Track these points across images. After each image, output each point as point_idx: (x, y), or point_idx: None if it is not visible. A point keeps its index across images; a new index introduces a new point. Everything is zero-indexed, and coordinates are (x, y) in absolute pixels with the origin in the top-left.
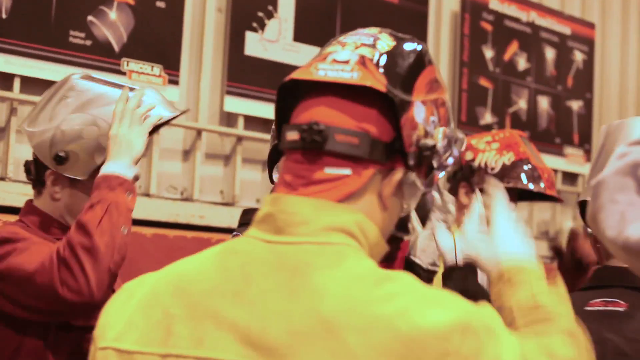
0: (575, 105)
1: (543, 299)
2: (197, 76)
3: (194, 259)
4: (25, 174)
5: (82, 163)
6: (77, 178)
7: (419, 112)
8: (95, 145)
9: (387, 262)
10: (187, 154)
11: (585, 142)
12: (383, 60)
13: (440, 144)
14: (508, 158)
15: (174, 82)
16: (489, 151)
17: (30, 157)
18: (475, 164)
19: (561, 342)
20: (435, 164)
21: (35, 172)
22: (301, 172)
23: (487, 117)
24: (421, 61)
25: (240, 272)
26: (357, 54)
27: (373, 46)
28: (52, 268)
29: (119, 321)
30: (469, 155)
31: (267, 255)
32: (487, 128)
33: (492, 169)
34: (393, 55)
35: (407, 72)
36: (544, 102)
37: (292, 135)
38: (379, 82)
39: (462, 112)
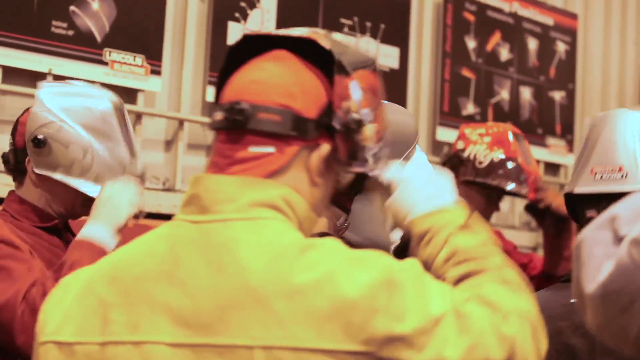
0: (558, 95)
1: (459, 241)
2: (179, 66)
3: (127, 248)
4: (4, 165)
5: (57, 154)
6: (47, 175)
7: (354, 89)
8: (71, 139)
9: None
10: (169, 144)
11: (567, 132)
12: (335, 41)
13: (370, 135)
14: (497, 155)
15: (156, 72)
16: (480, 144)
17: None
18: (465, 154)
19: (491, 286)
20: (360, 144)
21: (15, 160)
22: (226, 152)
23: (470, 108)
24: (371, 61)
25: (169, 255)
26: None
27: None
28: (16, 311)
29: (57, 315)
30: (460, 144)
31: (195, 235)
32: (470, 118)
33: (480, 162)
34: (346, 44)
35: (354, 57)
36: (526, 93)
37: (217, 116)
38: (326, 43)
39: (445, 102)
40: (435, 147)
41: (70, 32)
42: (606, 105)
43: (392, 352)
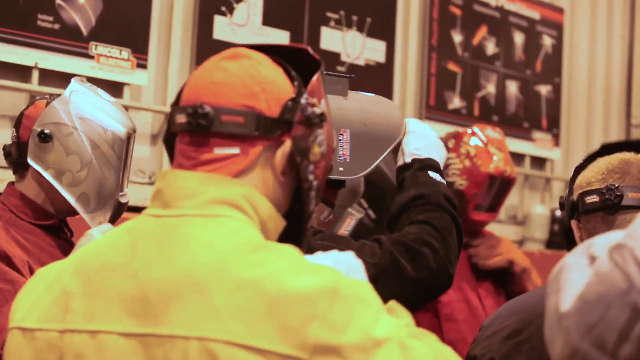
0: (544, 89)
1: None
2: (165, 60)
3: (96, 241)
4: (5, 158)
5: (55, 156)
6: (38, 168)
7: (318, 89)
8: (76, 146)
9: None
10: (155, 138)
11: (553, 126)
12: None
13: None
14: (460, 183)
15: (142, 65)
16: (459, 161)
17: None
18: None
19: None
20: (316, 140)
21: (18, 154)
22: (190, 154)
23: (456, 102)
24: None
25: (128, 247)
26: None
27: None
28: None
29: (26, 303)
30: (450, 143)
31: (154, 228)
32: (456, 112)
33: (446, 174)
34: None
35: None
36: (512, 87)
37: (180, 118)
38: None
39: (431, 96)
40: None
41: (56, 26)
42: (592, 99)
43: (323, 357)
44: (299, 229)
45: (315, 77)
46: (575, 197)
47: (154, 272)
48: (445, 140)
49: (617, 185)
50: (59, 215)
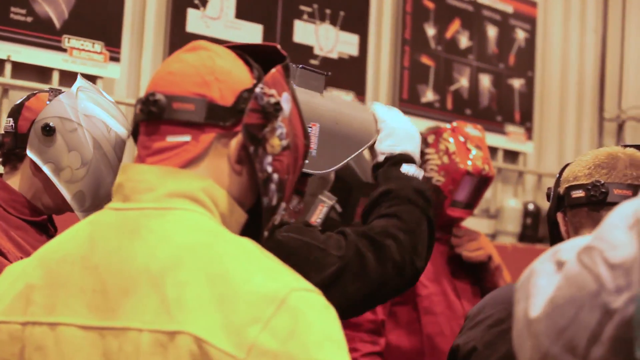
0: (517, 83)
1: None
2: (138, 53)
3: (60, 235)
4: None
5: (56, 151)
6: (36, 161)
7: (280, 81)
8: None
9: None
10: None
11: (526, 120)
12: None
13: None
14: (437, 179)
15: (115, 59)
16: (437, 157)
17: None
18: (425, 150)
19: None
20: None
21: (13, 145)
22: (146, 143)
23: (429, 95)
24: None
25: (88, 239)
26: None
27: None
28: None
29: None
30: (430, 138)
31: (114, 222)
32: (429, 106)
33: (424, 169)
34: None
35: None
36: (485, 80)
37: (137, 109)
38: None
39: (404, 90)
40: None
41: (29, 19)
42: (565, 92)
43: None
44: (259, 223)
45: (275, 69)
46: (562, 190)
47: (112, 266)
48: (425, 135)
49: (602, 181)
50: (47, 211)
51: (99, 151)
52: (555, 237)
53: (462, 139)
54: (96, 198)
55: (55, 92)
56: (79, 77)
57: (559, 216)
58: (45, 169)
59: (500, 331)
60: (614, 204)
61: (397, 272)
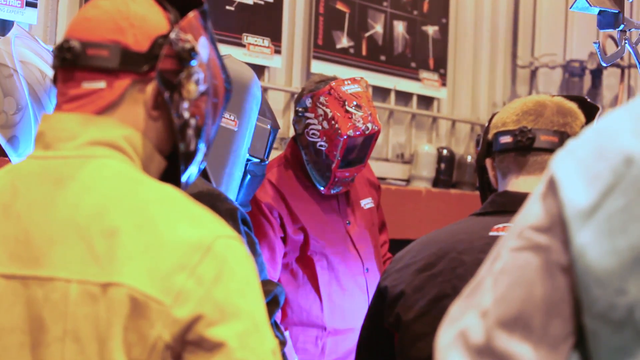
0: (431, 30)
1: None
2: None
3: None
4: None
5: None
6: None
7: (203, 41)
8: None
9: None
10: None
11: (440, 67)
12: None
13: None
14: (321, 145)
15: (31, 4)
16: (317, 122)
17: None
18: (305, 114)
19: None
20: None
21: None
22: (63, 90)
23: (344, 41)
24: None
25: (10, 188)
26: None
27: None
28: None
29: None
30: (308, 102)
31: (35, 170)
32: (344, 52)
33: (307, 133)
34: None
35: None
36: (400, 27)
37: (53, 55)
38: None
39: (319, 36)
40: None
41: None
42: (478, 39)
43: (183, 307)
44: (178, 169)
45: (191, 14)
46: (490, 136)
47: (36, 215)
48: (303, 97)
49: (529, 127)
50: None
51: (35, 98)
52: (484, 183)
53: (340, 101)
54: (30, 142)
55: None
56: (15, 24)
57: (488, 162)
58: None
59: (429, 276)
60: (540, 149)
61: None
